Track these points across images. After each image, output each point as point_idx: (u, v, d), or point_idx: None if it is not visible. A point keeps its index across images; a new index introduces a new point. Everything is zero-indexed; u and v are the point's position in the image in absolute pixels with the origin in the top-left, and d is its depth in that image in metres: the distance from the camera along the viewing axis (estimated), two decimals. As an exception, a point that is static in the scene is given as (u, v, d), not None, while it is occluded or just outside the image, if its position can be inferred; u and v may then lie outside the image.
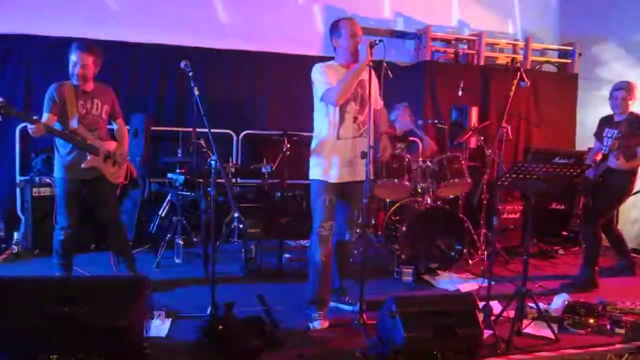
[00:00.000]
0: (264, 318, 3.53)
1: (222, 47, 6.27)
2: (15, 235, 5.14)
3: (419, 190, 5.18)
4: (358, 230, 3.92)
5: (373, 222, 5.41)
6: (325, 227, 3.63)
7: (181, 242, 5.08)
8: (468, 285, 4.65)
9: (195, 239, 5.62)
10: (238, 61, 6.36)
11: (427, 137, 5.71)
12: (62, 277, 3.94)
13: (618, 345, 3.50)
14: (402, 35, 7.05)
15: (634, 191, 4.77)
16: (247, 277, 4.73)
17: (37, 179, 5.21)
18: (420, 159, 5.17)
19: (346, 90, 3.49)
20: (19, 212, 5.53)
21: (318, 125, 3.70)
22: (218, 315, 3.45)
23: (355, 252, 4.79)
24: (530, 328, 3.60)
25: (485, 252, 5.46)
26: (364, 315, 3.55)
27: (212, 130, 3.56)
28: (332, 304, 3.94)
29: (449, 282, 4.73)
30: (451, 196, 5.39)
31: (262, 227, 4.97)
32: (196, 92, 3.56)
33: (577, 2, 7.51)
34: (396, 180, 4.76)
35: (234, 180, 5.48)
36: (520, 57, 7.28)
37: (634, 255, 5.43)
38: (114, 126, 4.22)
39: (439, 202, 5.24)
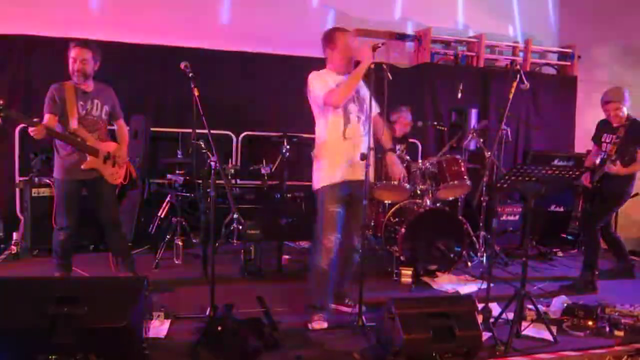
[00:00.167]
0: (263, 319, 3.54)
1: (222, 48, 6.28)
2: (15, 235, 5.14)
3: (419, 192, 5.18)
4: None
5: (372, 223, 5.41)
6: (329, 239, 3.62)
7: (180, 243, 5.08)
8: (467, 287, 4.65)
9: (194, 240, 5.62)
10: (238, 62, 6.36)
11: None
12: (62, 278, 3.94)
13: (617, 348, 3.50)
14: (402, 37, 7.05)
15: (632, 194, 4.77)
16: (246, 278, 4.73)
17: (36, 179, 5.21)
18: (420, 161, 5.18)
19: (348, 92, 3.50)
20: (18, 213, 5.53)
21: (320, 130, 3.69)
22: (217, 316, 3.46)
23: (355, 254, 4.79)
24: (529, 330, 3.61)
25: (485, 254, 5.47)
26: (363, 317, 3.55)
27: (211, 132, 3.56)
28: (331, 305, 3.93)
29: (448, 284, 4.73)
30: (450, 198, 5.39)
31: (261, 229, 4.97)
32: (196, 93, 3.56)
33: (576, 5, 7.53)
34: (396, 182, 4.77)
35: (233, 181, 5.48)
36: (519, 60, 7.30)
37: (632, 257, 5.43)
38: (115, 127, 4.23)
39: (438, 204, 5.24)
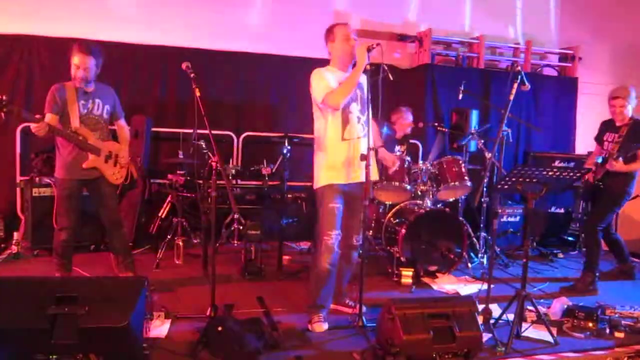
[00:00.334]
0: (263, 319, 3.54)
1: (223, 48, 6.28)
2: (15, 235, 5.14)
3: (419, 193, 5.19)
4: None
5: (373, 224, 5.41)
6: (331, 236, 3.62)
7: (181, 243, 5.08)
8: (467, 288, 4.65)
9: (195, 240, 5.63)
10: (239, 63, 6.36)
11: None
12: (62, 278, 3.95)
13: (617, 349, 3.51)
14: (402, 38, 7.06)
15: (633, 195, 4.77)
16: (246, 278, 4.73)
17: (37, 179, 5.22)
18: (421, 162, 5.18)
19: (346, 93, 3.50)
20: (19, 212, 5.53)
21: (320, 130, 3.69)
22: (217, 317, 3.46)
23: (356, 254, 4.79)
24: (530, 331, 3.61)
25: (485, 255, 5.47)
26: (363, 317, 3.56)
27: (212, 132, 3.57)
28: (332, 306, 3.94)
29: (449, 284, 4.73)
30: (451, 199, 5.40)
31: (262, 229, 4.97)
32: (197, 94, 3.57)
33: (577, 6, 7.53)
34: (396, 183, 4.77)
35: (234, 181, 5.48)
36: (520, 61, 7.30)
37: (633, 259, 5.43)
38: (115, 127, 4.23)
39: (439, 205, 5.24)
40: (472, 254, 5.48)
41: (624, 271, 5.15)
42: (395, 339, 3.06)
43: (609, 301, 4.11)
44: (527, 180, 3.52)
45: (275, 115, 6.51)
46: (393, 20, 7.06)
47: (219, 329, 3.22)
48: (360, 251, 3.77)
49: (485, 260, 5.41)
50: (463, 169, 5.05)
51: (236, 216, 5.33)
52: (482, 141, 5.54)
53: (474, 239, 5.49)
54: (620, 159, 4.51)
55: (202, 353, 3.16)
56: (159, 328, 3.46)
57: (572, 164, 6.45)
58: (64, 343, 2.77)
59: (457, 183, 4.98)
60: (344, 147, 3.62)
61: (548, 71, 7.61)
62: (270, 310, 3.79)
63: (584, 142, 6.97)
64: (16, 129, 5.53)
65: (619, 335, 3.70)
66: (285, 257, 5.16)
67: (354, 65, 3.57)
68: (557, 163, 6.50)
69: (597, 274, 4.77)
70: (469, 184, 5.04)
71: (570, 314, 3.87)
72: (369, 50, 3.44)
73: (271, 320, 3.59)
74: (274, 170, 5.46)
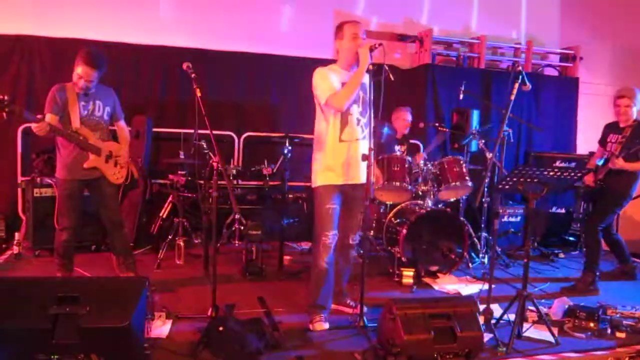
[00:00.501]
0: (264, 319, 3.54)
1: (224, 49, 6.29)
2: (17, 235, 5.14)
3: (420, 193, 5.19)
4: (360, 233, 3.92)
5: (374, 224, 5.41)
6: (327, 236, 3.62)
7: (182, 244, 5.08)
8: (468, 288, 4.65)
9: (196, 240, 5.63)
10: (240, 63, 6.37)
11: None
12: (64, 278, 3.95)
13: (618, 349, 3.50)
14: (403, 38, 7.06)
15: (634, 196, 4.77)
16: (247, 278, 4.73)
17: (38, 179, 5.22)
18: (421, 162, 5.18)
19: (350, 95, 3.49)
20: (20, 213, 5.54)
21: (320, 129, 3.69)
22: (219, 317, 3.46)
23: (356, 254, 4.80)
24: (531, 331, 3.61)
25: (486, 255, 5.47)
26: (364, 318, 3.55)
27: (213, 132, 3.57)
28: (332, 306, 3.94)
29: (450, 285, 4.73)
30: (452, 199, 5.39)
31: (262, 229, 4.97)
32: (198, 94, 3.57)
33: (578, 7, 7.53)
34: (397, 183, 4.77)
35: (235, 182, 5.48)
36: (521, 61, 7.29)
37: (634, 259, 5.43)
38: (115, 128, 4.24)
39: (440, 205, 5.24)
40: (473, 254, 5.48)
41: (625, 271, 5.15)
42: (396, 339, 3.06)
43: (610, 301, 4.11)
44: (528, 180, 3.52)
45: (276, 116, 6.51)
46: (393, 20, 7.06)
47: (220, 329, 3.22)
48: (361, 251, 3.77)
49: (486, 261, 5.41)
50: (464, 169, 5.05)
51: (237, 216, 5.34)
52: (483, 141, 5.54)
53: (475, 239, 5.49)
54: (622, 157, 4.52)
55: (203, 353, 3.16)
56: (160, 328, 3.46)
57: (573, 164, 6.45)
58: (65, 343, 2.77)
59: (458, 183, 4.98)
60: (342, 148, 3.62)
61: (549, 71, 7.61)
62: (272, 311, 3.79)
63: (585, 142, 6.97)
64: (17, 129, 5.54)
65: (620, 335, 3.70)
66: (286, 257, 5.16)
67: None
68: (558, 163, 6.50)
69: (598, 274, 4.77)
70: (470, 184, 5.03)
71: (572, 314, 3.87)
72: (371, 50, 3.43)
73: (272, 321, 3.59)
74: (274, 171, 5.47)
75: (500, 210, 5.95)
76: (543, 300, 4.25)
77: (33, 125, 3.64)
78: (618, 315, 3.86)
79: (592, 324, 3.75)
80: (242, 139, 6.36)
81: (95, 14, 5.89)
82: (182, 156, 5.36)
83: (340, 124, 3.61)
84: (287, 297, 4.19)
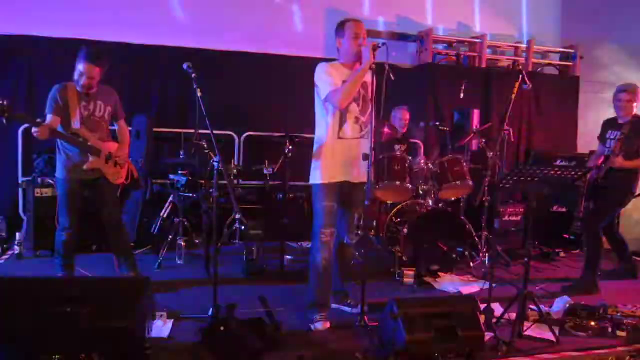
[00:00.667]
0: (266, 319, 3.54)
1: (224, 48, 6.29)
2: (18, 235, 5.15)
3: (421, 192, 5.19)
4: (359, 232, 3.92)
5: (375, 224, 5.41)
6: (326, 234, 3.63)
7: (183, 244, 5.09)
8: (469, 287, 4.65)
9: (197, 241, 5.62)
10: (240, 63, 6.37)
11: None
12: (65, 278, 3.95)
13: (619, 348, 3.50)
14: (403, 37, 7.06)
15: (635, 194, 4.77)
16: (248, 278, 4.73)
17: (39, 179, 5.22)
18: (422, 162, 5.18)
19: (350, 93, 3.49)
20: (21, 213, 5.55)
21: (319, 127, 3.70)
22: (220, 317, 3.46)
23: (357, 254, 4.79)
24: (532, 330, 3.60)
25: (487, 255, 5.47)
26: (366, 317, 3.55)
27: (214, 132, 3.57)
28: (334, 306, 3.95)
29: (451, 284, 4.73)
30: (453, 198, 5.39)
31: (263, 229, 4.97)
32: (198, 94, 3.56)
33: (579, 5, 7.52)
34: (398, 183, 4.76)
35: (235, 181, 5.48)
36: (522, 60, 7.30)
37: (635, 258, 5.42)
38: (116, 127, 4.24)
39: (440, 205, 5.24)
40: (474, 254, 5.47)
41: (627, 270, 5.15)
42: (397, 338, 3.06)
43: (611, 300, 4.11)
44: (529, 179, 3.52)
45: (277, 115, 6.51)
46: (394, 19, 7.06)
47: (222, 329, 3.22)
48: (362, 251, 3.77)
49: (487, 260, 5.40)
50: (465, 168, 5.05)
51: (238, 216, 5.35)
52: (484, 140, 5.54)
53: (476, 238, 5.48)
54: (621, 156, 4.52)
55: (204, 353, 3.16)
56: (161, 328, 3.46)
57: (573, 163, 6.44)
58: (67, 343, 2.77)
59: (458, 182, 4.97)
60: (340, 146, 3.63)
61: (550, 70, 7.60)
62: (273, 310, 3.79)
63: (586, 141, 6.96)
64: (18, 129, 5.54)
65: (622, 334, 3.69)
66: (287, 257, 5.16)
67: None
68: (558, 162, 6.49)
69: (599, 273, 4.76)
70: (470, 183, 5.03)
71: (573, 313, 3.86)
72: (374, 49, 3.43)
73: (273, 320, 3.59)
74: (275, 170, 5.46)
75: (501, 209, 5.95)
76: (544, 299, 4.24)
77: (34, 130, 3.63)
78: (619, 314, 3.86)
79: (593, 323, 3.75)
80: (242, 139, 6.36)
81: (96, 15, 5.89)
82: (182, 156, 5.36)
83: (339, 122, 3.61)
84: (288, 297, 4.19)
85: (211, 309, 3.56)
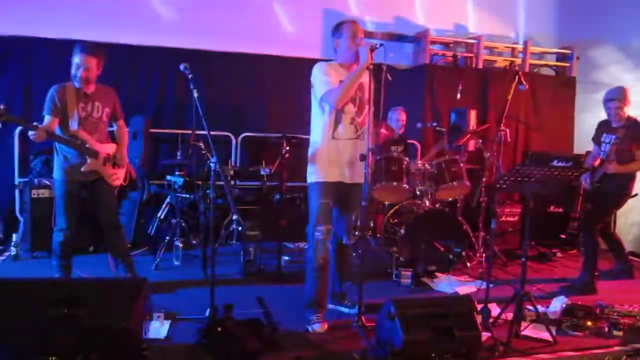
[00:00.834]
0: (263, 320, 3.54)
1: (221, 49, 6.29)
2: (14, 237, 5.14)
3: (418, 192, 5.20)
4: (356, 233, 3.93)
5: (372, 224, 5.41)
6: (321, 232, 3.64)
7: (180, 244, 5.08)
8: (466, 287, 4.66)
9: (194, 241, 5.63)
10: (237, 64, 6.37)
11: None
12: (61, 279, 3.94)
13: (616, 348, 3.51)
14: (400, 38, 7.06)
15: (631, 195, 4.78)
16: (245, 279, 4.73)
17: (36, 180, 5.21)
18: (419, 162, 5.19)
19: (347, 93, 3.50)
20: (17, 214, 5.53)
21: (315, 126, 3.72)
22: (217, 317, 3.46)
23: (354, 254, 4.80)
24: (529, 330, 3.62)
25: (484, 255, 5.47)
26: (363, 318, 3.55)
27: (211, 133, 3.56)
28: (331, 306, 3.95)
29: (448, 284, 4.73)
30: (450, 199, 5.40)
31: (260, 230, 4.97)
32: (195, 95, 3.56)
33: (575, 6, 7.54)
34: (395, 183, 4.77)
35: (232, 182, 5.48)
36: (518, 61, 7.31)
37: (631, 258, 5.44)
38: (114, 127, 4.23)
39: (437, 205, 5.25)
40: (470, 254, 5.48)
41: (623, 270, 5.16)
42: (395, 339, 3.06)
43: (607, 300, 4.12)
44: (526, 179, 3.52)
45: (274, 116, 6.51)
46: (390, 20, 7.06)
47: (219, 329, 3.22)
48: (360, 251, 3.77)
49: (484, 260, 5.41)
50: (462, 169, 5.06)
51: (235, 217, 5.35)
52: (481, 141, 5.55)
53: (473, 239, 5.50)
54: (614, 161, 4.53)
55: (202, 354, 3.16)
56: (159, 329, 3.46)
57: (570, 163, 6.44)
58: (63, 344, 2.76)
59: (455, 183, 4.98)
60: (334, 146, 3.63)
61: (546, 71, 7.62)
62: (270, 311, 3.79)
63: (582, 141, 6.97)
64: (14, 130, 5.52)
65: (618, 333, 3.70)
66: (284, 258, 5.16)
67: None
68: (555, 162, 6.49)
69: (596, 273, 4.78)
70: (467, 183, 5.04)
71: (569, 312, 3.87)
72: (372, 50, 3.44)
73: (271, 321, 3.59)
74: (272, 171, 5.46)
75: (498, 210, 5.96)
76: (541, 299, 4.25)
77: (30, 133, 3.62)
78: (615, 314, 3.87)
79: (589, 323, 3.76)
80: (239, 140, 6.36)
81: (92, 15, 5.88)
82: (179, 157, 5.36)
83: (334, 122, 3.62)
84: (286, 297, 4.19)
85: (208, 310, 3.56)
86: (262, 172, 5.43)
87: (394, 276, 4.84)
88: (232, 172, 5.44)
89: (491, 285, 3.84)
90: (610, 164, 4.56)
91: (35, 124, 3.66)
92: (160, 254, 5.00)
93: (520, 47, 7.34)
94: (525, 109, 7.20)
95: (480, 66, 7.04)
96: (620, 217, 6.13)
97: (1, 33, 5.62)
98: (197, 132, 4.59)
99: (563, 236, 6.40)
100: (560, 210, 6.49)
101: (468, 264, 5.30)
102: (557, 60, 7.59)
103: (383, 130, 5.11)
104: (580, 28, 7.38)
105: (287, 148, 5.03)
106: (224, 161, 5.93)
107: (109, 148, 4.07)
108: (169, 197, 5.34)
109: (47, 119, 3.80)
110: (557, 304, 4.02)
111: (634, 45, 6.70)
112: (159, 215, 5.42)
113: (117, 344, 2.86)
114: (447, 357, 3.11)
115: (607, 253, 5.27)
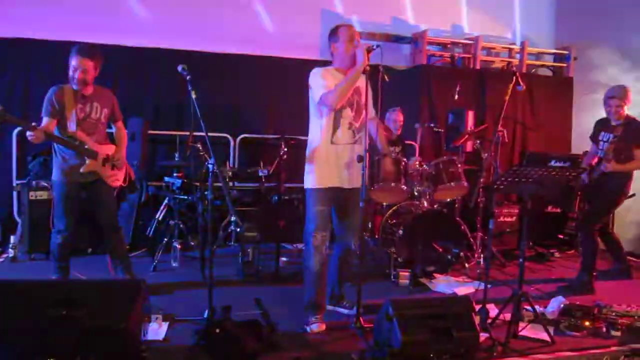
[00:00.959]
0: (261, 321, 3.54)
1: (219, 50, 6.29)
2: (12, 238, 5.13)
3: (416, 193, 5.20)
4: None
5: (370, 225, 5.42)
6: (317, 237, 3.64)
7: (178, 246, 5.08)
8: (465, 288, 4.66)
9: (192, 243, 5.62)
10: (235, 65, 6.37)
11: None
12: (60, 280, 3.94)
13: (614, 348, 3.52)
14: (398, 39, 7.07)
15: (629, 195, 4.79)
16: (244, 280, 4.73)
17: (34, 182, 5.21)
18: (417, 163, 5.19)
19: (343, 94, 3.50)
20: (15, 216, 5.52)
21: (312, 131, 3.71)
22: (215, 319, 3.46)
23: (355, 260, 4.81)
24: (527, 331, 3.62)
25: (482, 256, 5.48)
26: (361, 319, 3.55)
27: (209, 134, 3.56)
28: (329, 307, 3.95)
29: (446, 285, 4.74)
30: (448, 199, 5.40)
31: (259, 231, 4.96)
32: (193, 96, 3.56)
33: (572, 7, 7.55)
34: (393, 184, 4.77)
35: (231, 184, 5.48)
36: (516, 61, 7.32)
37: (629, 258, 5.45)
38: (113, 129, 4.23)
39: (435, 206, 5.25)
40: (468, 254, 5.49)
41: (621, 270, 5.17)
42: (393, 339, 3.06)
43: (605, 300, 4.12)
44: (524, 179, 3.53)
45: (272, 117, 6.52)
46: (388, 21, 7.07)
47: (217, 331, 3.22)
48: (358, 252, 3.77)
49: (482, 260, 5.41)
50: (459, 169, 5.06)
51: (233, 218, 5.36)
52: (478, 141, 5.55)
53: (471, 239, 5.50)
54: (613, 160, 4.54)
55: (200, 355, 3.16)
56: (157, 330, 3.46)
57: (567, 164, 6.47)
58: (62, 345, 2.76)
59: (453, 183, 4.98)
60: (333, 150, 3.64)
61: (543, 71, 7.63)
62: (268, 312, 3.79)
63: (580, 141, 6.98)
64: (12, 131, 5.52)
65: (616, 334, 3.71)
66: (283, 259, 5.16)
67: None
68: (552, 163, 6.52)
69: (594, 273, 4.78)
70: (465, 184, 5.04)
71: (567, 313, 3.88)
72: (368, 52, 3.44)
73: (269, 322, 3.59)
74: (270, 172, 5.46)
75: (496, 210, 5.97)
76: (539, 299, 4.26)
77: (28, 134, 3.61)
78: (614, 314, 3.87)
79: (587, 323, 3.77)
80: (237, 141, 6.36)
81: (92, 17, 5.88)
82: (177, 158, 5.35)
83: (332, 127, 3.62)
84: (284, 299, 4.19)
85: (206, 311, 3.56)
86: (260, 174, 5.43)
87: (392, 277, 4.84)
88: (230, 173, 5.43)
89: (489, 286, 3.84)
90: (608, 163, 4.57)
91: (33, 124, 3.66)
92: (159, 255, 4.99)
93: (517, 47, 7.37)
94: (523, 109, 7.22)
95: (478, 67, 7.05)
96: (618, 217, 6.14)
97: (0, 35, 5.62)
98: (195, 133, 4.57)
99: (561, 236, 6.40)
100: (558, 210, 6.50)
101: (466, 265, 5.31)
102: (555, 60, 7.61)
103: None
104: (578, 28, 7.40)
105: (285, 149, 5.03)
106: (222, 162, 5.93)
107: (108, 149, 4.07)
108: (167, 198, 5.34)
109: (45, 120, 3.79)
110: (555, 304, 4.03)
111: (631, 46, 6.71)
112: (157, 216, 5.42)
113: (116, 345, 2.86)
114: (445, 358, 3.12)
115: (605, 253, 5.27)
